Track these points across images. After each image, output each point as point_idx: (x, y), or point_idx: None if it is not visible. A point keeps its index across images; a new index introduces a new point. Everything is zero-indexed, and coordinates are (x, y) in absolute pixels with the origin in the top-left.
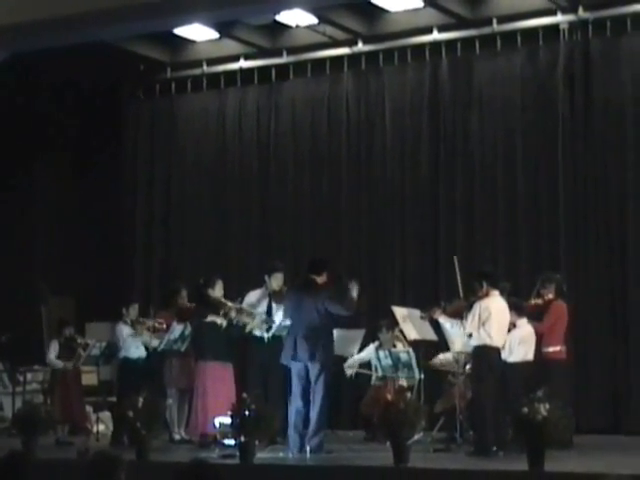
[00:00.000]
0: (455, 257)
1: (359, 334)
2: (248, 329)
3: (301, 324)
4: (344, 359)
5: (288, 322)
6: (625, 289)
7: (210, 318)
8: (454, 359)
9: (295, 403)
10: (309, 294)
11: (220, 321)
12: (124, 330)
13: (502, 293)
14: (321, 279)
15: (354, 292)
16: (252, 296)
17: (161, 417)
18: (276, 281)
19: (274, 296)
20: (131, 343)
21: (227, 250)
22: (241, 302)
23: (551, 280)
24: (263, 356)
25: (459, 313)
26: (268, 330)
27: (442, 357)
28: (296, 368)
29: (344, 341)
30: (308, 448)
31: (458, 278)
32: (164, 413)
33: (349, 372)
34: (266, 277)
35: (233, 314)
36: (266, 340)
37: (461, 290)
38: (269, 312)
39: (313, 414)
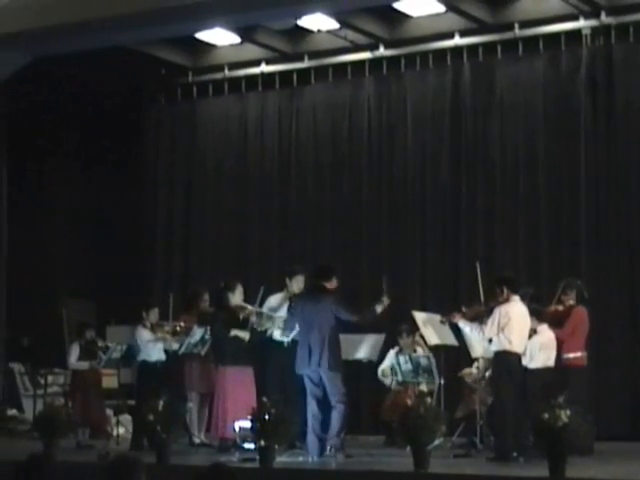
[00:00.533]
0: (477, 263)
1: (380, 338)
2: (269, 333)
3: (312, 330)
4: (365, 363)
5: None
6: None
7: (233, 332)
8: (475, 367)
9: (311, 408)
10: (318, 300)
11: (243, 334)
12: (143, 334)
13: (524, 299)
14: (330, 285)
15: (379, 308)
16: (273, 300)
17: (181, 421)
18: (297, 284)
19: (295, 299)
20: (151, 347)
21: (247, 254)
22: (261, 306)
23: (572, 286)
24: (283, 360)
25: (479, 317)
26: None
27: (470, 370)
28: (309, 373)
29: (365, 345)
30: (329, 448)
31: (480, 284)
32: (184, 416)
33: (387, 382)
34: (287, 280)
35: (253, 318)
36: (286, 344)
37: (482, 296)
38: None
39: (334, 416)
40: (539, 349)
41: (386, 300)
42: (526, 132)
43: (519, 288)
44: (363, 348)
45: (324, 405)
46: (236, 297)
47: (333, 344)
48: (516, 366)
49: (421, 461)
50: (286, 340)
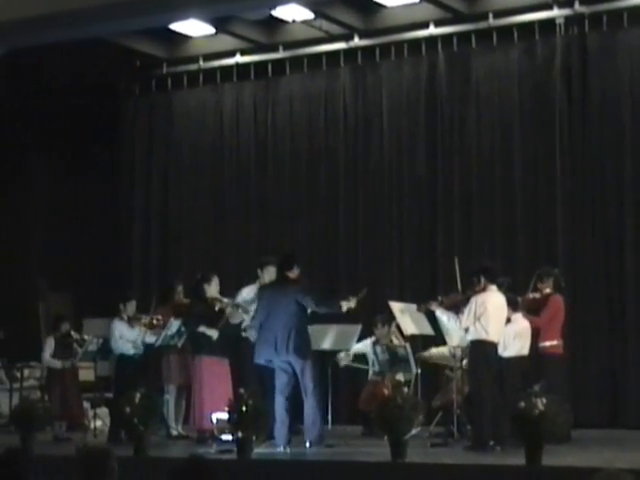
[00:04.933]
0: (456, 258)
1: (356, 329)
2: (244, 326)
3: (278, 321)
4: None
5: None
6: (623, 283)
7: (201, 329)
8: (450, 354)
9: (278, 397)
10: (282, 291)
11: (210, 332)
12: (120, 326)
13: (500, 288)
14: (292, 274)
15: (345, 306)
16: (245, 292)
17: (158, 413)
18: (269, 275)
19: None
20: (127, 339)
21: (225, 246)
22: (235, 298)
23: (549, 274)
24: None
25: (456, 306)
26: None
27: (435, 351)
28: (279, 362)
29: (342, 336)
30: (308, 442)
31: (458, 279)
32: (161, 409)
33: (342, 363)
34: (259, 271)
35: (229, 310)
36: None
37: (460, 288)
38: None
39: (306, 410)
40: (513, 338)
41: (353, 302)
42: (502, 121)
43: (497, 277)
44: (353, 340)
45: (290, 394)
46: (212, 289)
47: (300, 333)
48: (493, 355)
49: (398, 451)
50: (252, 337)
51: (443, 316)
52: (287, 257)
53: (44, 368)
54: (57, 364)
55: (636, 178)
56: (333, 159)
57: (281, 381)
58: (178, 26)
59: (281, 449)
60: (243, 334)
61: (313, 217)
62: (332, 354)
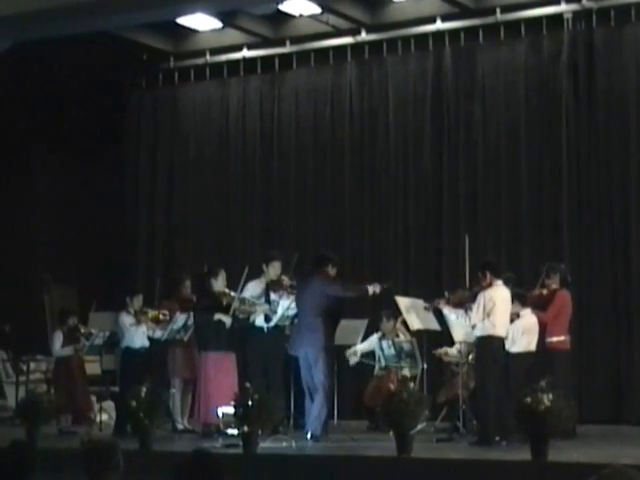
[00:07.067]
0: (467, 236)
1: (362, 324)
2: (251, 320)
3: (303, 314)
4: (347, 348)
5: (291, 312)
6: (628, 279)
7: (217, 316)
8: (457, 350)
9: (305, 391)
10: (308, 284)
11: (225, 319)
12: (126, 320)
13: (507, 283)
14: (325, 273)
15: (370, 289)
16: (251, 286)
17: (164, 407)
18: (274, 270)
19: (272, 285)
20: (133, 333)
21: (230, 240)
22: (241, 292)
23: (555, 270)
24: (264, 346)
25: (462, 303)
26: (268, 320)
27: (446, 350)
28: (301, 356)
29: (347, 331)
30: (309, 435)
31: (467, 258)
32: (167, 403)
33: (352, 361)
34: (264, 266)
35: (236, 304)
36: (265, 330)
37: (467, 271)
38: (267, 301)
39: (315, 400)
40: (521, 333)
41: (378, 287)
42: (508, 116)
43: (502, 272)
44: (359, 335)
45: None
46: (219, 283)
47: (319, 326)
48: (500, 350)
49: (404, 446)
50: (266, 326)
51: (451, 314)
52: (318, 258)
53: (51, 361)
54: (68, 351)
55: None
56: (339, 153)
57: (305, 376)
58: (185, 20)
59: (293, 444)
60: (257, 323)
61: (318, 211)
62: (338, 348)
